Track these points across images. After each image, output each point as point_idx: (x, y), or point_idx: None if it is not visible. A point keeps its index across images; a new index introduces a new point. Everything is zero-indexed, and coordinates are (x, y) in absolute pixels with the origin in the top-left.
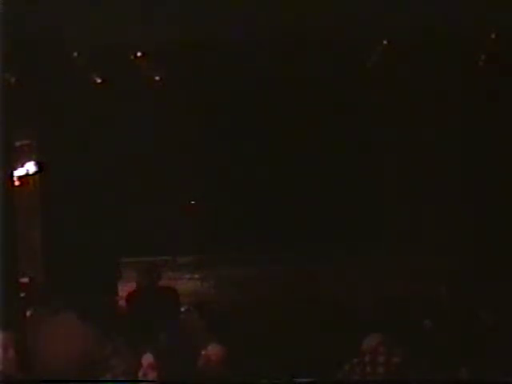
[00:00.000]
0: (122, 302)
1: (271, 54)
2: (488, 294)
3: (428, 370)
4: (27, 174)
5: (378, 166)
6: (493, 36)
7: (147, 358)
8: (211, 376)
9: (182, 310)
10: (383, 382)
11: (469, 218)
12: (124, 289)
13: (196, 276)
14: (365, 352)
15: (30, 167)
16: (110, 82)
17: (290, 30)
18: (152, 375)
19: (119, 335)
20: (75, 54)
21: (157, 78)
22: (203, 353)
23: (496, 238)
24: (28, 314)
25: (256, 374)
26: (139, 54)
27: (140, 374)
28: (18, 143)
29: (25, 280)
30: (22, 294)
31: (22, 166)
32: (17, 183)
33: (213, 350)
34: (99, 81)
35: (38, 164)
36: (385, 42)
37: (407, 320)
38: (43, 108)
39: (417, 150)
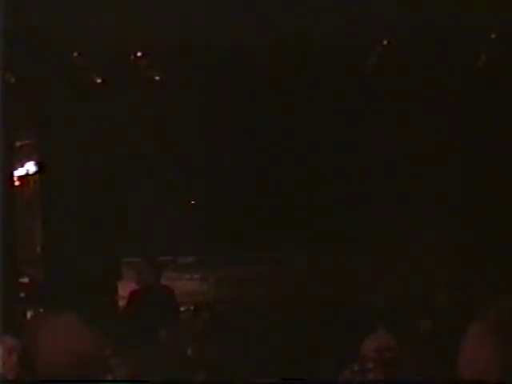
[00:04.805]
0: (122, 302)
1: (271, 53)
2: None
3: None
4: (27, 174)
5: (377, 166)
6: (493, 36)
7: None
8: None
9: (182, 310)
10: (378, 383)
11: (468, 218)
12: (124, 289)
13: (196, 276)
14: (364, 356)
15: (30, 167)
16: (110, 82)
17: (289, 30)
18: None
19: (119, 335)
20: (75, 53)
21: (157, 78)
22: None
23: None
24: (28, 314)
25: (256, 373)
26: (139, 54)
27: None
28: (18, 143)
29: (25, 280)
30: (22, 294)
31: (22, 166)
32: (17, 183)
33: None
34: (99, 81)
35: (37, 164)
36: (385, 42)
37: (407, 321)
38: (43, 108)
39: (417, 150)
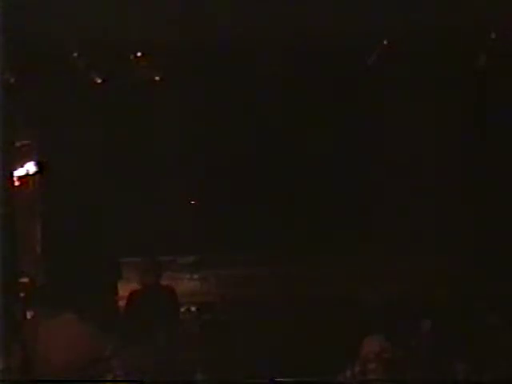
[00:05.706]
0: (122, 302)
1: (271, 53)
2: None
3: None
4: (27, 174)
5: (377, 166)
6: (493, 36)
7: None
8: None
9: (182, 310)
10: (379, 382)
11: (469, 217)
12: (124, 289)
13: (196, 276)
14: (365, 357)
15: (30, 167)
16: (110, 82)
17: (290, 29)
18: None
19: (119, 335)
20: (75, 54)
21: (157, 78)
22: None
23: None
24: (28, 314)
25: (255, 373)
26: (139, 54)
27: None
28: (18, 143)
29: (25, 280)
30: (22, 294)
31: (22, 166)
32: (17, 183)
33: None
34: (99, 81)
35: (38, 164)
36: (385, 42)
37: (407, 321)
38: (43, 108)
39: (417, 150)
